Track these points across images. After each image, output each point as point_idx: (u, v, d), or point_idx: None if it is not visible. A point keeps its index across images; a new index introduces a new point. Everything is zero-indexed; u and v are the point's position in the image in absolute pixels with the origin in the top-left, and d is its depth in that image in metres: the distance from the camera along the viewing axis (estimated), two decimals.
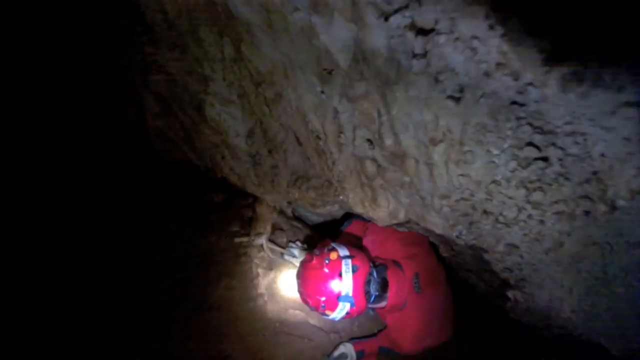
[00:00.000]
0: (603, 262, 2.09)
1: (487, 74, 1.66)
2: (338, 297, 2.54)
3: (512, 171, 1.97)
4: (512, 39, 1.53)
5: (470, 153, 1.98)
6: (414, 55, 1.71)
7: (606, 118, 1.63)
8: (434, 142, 2.02)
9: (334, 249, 2.62)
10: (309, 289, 2.61)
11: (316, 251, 2.68)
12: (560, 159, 1.86)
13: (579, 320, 2.37)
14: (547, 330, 2.67)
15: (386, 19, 1.62)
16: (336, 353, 3.06)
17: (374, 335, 3.29)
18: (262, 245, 3.38)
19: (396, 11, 1.58)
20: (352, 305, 2.58)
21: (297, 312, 3.27)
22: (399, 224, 2.67)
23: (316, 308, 2.63)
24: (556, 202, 1.99)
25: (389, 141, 2.15)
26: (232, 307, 3.17)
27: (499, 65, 1.60)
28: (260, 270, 3.32)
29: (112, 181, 3.68)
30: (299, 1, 1.83)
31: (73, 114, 3.49)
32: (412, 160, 2.19)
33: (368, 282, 2.62)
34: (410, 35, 1.63)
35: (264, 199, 3.26)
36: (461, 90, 1.79)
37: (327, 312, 2.60)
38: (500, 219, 2.20)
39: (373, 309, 2.86)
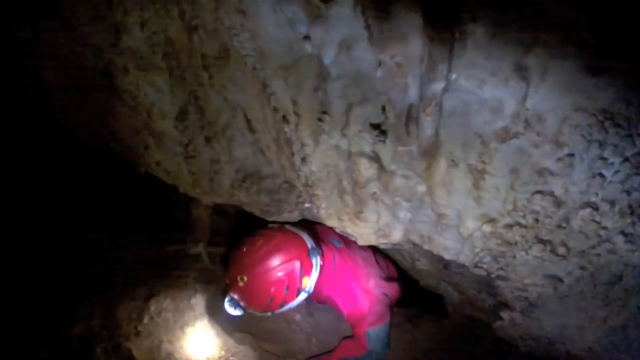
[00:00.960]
0: None
1: None
2: (309, 252, 1.82)
3: (628, 191, 0.91)
4: None
5: (569, 159, 0.89)
6: None
7: None
8: (503, 135, 0.90)
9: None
10: (269, 266, 1.73)
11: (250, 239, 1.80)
12: None
13: (601, 351, 1.58)
14: (547, 352, 1.78)
15: None
16: None
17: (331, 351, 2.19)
18: (200, 254, 2.17)
19: None
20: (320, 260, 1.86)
21: (245, 334, 2.10)
22: (391, 244, 1.53)
23: (279, 294, 1.76)
24: None
25: (429, 130, 0.97)
26: (164, 334, 1.93)
27: None
28: (198, 286, 2.08)
29: (9, 179, 2.19)
30: None
31: None
32: (445, 162, 1.04)
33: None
34: None
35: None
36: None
37: (304, 281, 1.80)
38: (560, 250, 1.15)
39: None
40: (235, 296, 1.79)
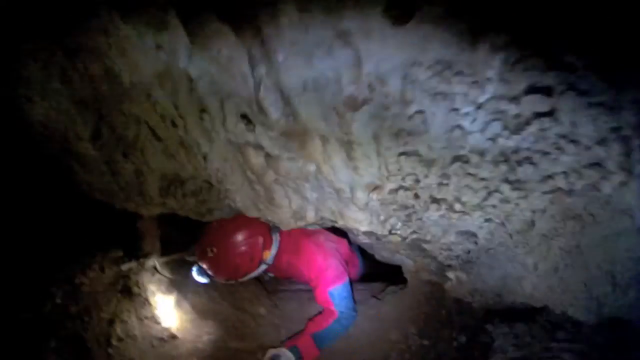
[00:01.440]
0: (580, 234, 1.26)
1: None
2: (271, 229, 2.09)
3: (493, 139, 0.90)
4: None
5: (420, 115, 0.88)
6: None
7: None
8: (354, 104, 0.90)
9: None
10: (236, 240, 1.98)
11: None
12: (573, 110, 0.82)
13: (542, 296, 1.58)
14: (499, 304, 1.78)
15: None
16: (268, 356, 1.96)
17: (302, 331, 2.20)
18: (154, 267, 2.16)
19: None
20: None
21: (214, 337, 2.09)
22: (310, 224, 1.54)
23: (243, 264, 2.01)
24: (550, 177, 0.97)
25: (275, 113, 0.98)
26: (135, 353, 1.91)
27: None
28: (158, 298, 2.08)
29: None
30: None
31: None
32: (318, 139, 1.05)
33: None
34: None
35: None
36: None
37: (265, 254, 2.06)
38: (457, 206, 1.15)
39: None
40: (204, 265, 2.00)
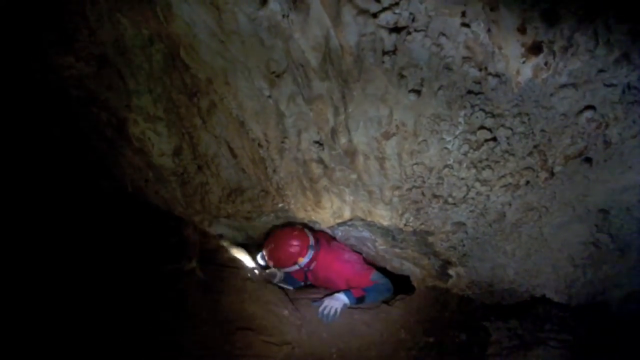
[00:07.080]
0: (540, 224, 2.40)
1: (448, 67, 1.79)
2: (309, 246, 3.39)
3: (464, 154, 2.12)
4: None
5: (424, 142, 2.10)
6: (384, 53, 1.77)
7: (547, 99, 1.90)
8: (386, 136, 2.11)
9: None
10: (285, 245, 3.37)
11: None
12: (507, 138, 2.03)
13: (523, 280, 2.70)
14: (491, 295, 2.93)
15: (375, 15, 1.71)
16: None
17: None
18: (194, 269, 3.25)
19: (385, 9, 1.69)
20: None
21: (247, 331, 3.19)
22: (342, 223, 2.73)
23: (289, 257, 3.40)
24: (503, 176, 2.18)
25: (343, 139, 2.22)
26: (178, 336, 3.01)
27: (464, 58, 1.76)
28: (197, 296, 3.18)
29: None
30: None
31: None
32: (362, 156, 2.28)
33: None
34: (383, 33, 1.70)
35: (189, 220, 3.15)
36: (422, 84, 1.89)
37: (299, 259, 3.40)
38: (450, 200, 2.36)
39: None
40: (265, 254, 3.38)
